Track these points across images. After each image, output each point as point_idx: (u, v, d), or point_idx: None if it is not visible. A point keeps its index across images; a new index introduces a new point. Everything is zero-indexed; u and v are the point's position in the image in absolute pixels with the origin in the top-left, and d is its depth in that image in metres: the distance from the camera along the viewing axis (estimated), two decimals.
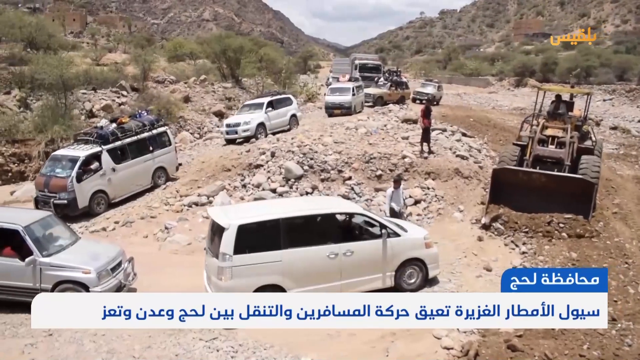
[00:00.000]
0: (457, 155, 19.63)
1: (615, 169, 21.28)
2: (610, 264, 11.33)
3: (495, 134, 26.52)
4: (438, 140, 21.19)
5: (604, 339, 8.37)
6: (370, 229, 10.91)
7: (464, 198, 16.95)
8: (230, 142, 23.52)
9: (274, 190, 16.75)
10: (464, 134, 23.82)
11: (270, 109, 24.34)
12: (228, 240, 9.38)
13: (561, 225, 13.10)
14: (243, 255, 9.44)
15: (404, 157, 18.51)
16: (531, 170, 14.33)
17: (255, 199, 16.15)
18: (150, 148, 19.00)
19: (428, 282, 10.98)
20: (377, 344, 8.75)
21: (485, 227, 13.98)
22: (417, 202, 16.60)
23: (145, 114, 20.39)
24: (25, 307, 9.98)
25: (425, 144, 19.36)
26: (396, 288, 10.65)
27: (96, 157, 17.14)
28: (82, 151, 17.04)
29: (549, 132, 15.82)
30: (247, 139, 22.75)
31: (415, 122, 23.35)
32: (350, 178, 17.41)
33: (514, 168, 14.60)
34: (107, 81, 31.98)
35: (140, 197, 18.34)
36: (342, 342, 8.93)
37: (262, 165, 18.29)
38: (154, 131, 19.34)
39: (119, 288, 10.46)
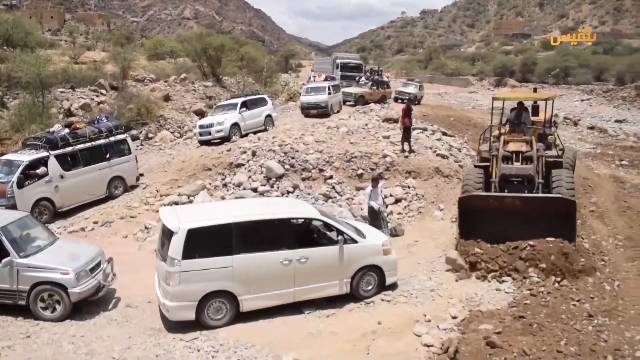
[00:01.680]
0: (437, 154, 19.80)
1: (593, 168, 21.61)
2: (587, 261, 11.49)
3: (476, 133, 26.65)
4: (419, 139, 21.34)
5: (581, 335, 8.47)
6: (328, 233, 10.68)
7: (444, 197, 17.08)
8: (204, 143, 23.18)
9: (255, 190, 16.70)
10: (444, 133, 24.04)
11: (244, 109, 24.15)
12: (177, 245, 9.13)
13: (543, 255, 10.98)
14: (192, 260, 9.19)
15: (384, 156, 18.61)
16: (503, 194, 12.50)
17: (236, 198, 16.10)
18: (107, 156, 18.11)
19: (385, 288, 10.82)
20: (358, 342, 8.78)
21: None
22: (397, 201, 16.70)
23: (106, 119, 19.42)
24: (3, 309, 9.90)
25: (406, 143, 19.50)
26: (352, 294, 10.56)
27: (43, 162, 16.30)
28: (27, 156, 16.26)
29: (511, 147, 13.82)
30: (222, 140, 22.56)
31: (396, 121, 23.46)
32: (331, 177, 17.46)
33: (483, 194, 12.78)
34: (86, 80, 31.51)
35: (95, 206, 17.59)
36: (323, 340, 8.96)
37: (243, 165, 18.23)
38: (112, 138, 18.45)
39: (98, 289, 10.33)
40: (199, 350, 8.58)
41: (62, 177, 16.66)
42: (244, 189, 16.82)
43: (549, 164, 13.88)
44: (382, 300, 10.46)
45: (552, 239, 11.14)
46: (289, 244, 9.99)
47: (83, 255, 10.61)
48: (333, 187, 17.06)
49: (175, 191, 17.39)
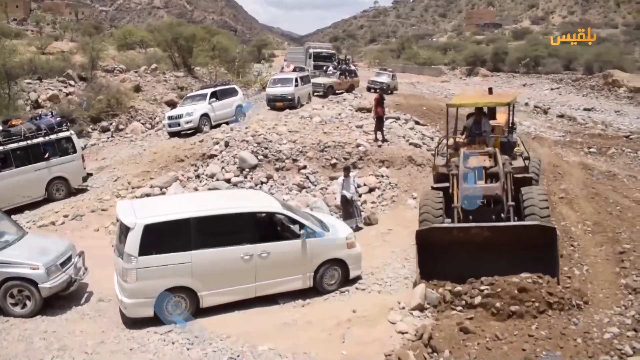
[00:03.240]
0: (410, 143, 19.96)
1: (562, 156, 22.03)
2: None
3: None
4: (392, 128, 21.46)
5: (552, 318, 8.66)
6: (291, 226, 10.55)
7: (418, 185, 17.21)
8: (174, 134, 22.83)
9: (228, 181, 16.58)
10: (417, 122, 24.20)
11: (214, 99, 23.90)
12: (133, 241, 8.91)
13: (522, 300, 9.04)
14: (149, 256, 8.99)
15: (358, 145, 18.68)
16: (469, 225, 10.50)
17: (209, 189, 15.99)
18: (46, 155, 16.88)
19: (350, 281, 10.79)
20: (334, 331, 8.83)
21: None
22: (371, 190, 16.79)
23: (50, 115, 18.23)
24: None
25: (379, 132, 19.60)
26: (316, 288, 10.52)
27: None
28: None
29: (472, 162, 11.79)
30: (194, 131, 22.32)
31: (369, 110, 23.53)
32: (305, 167, 17.45)
33: (445, 226, 10.85)
34: (54, 70, 30.89)
35: (34, 209, 16.60)
36: (298, 330, 8.98)
37: (215, 155, 18.08)
38: (53, 136, 17.10)
39: (70, 283, 10.17)
40: (173, 343, 8.51)
41: None
42: (217, 180, 16.70)
43: (518, 181, 12.06)
44: (357, 289, 10.54)
45: (528, 275, 9.35)
46: (250, 238, 9.83)
47: (53, 249, 10.42)
48: (307, 177, 17.06)
49: (148, 183, 17.17)
